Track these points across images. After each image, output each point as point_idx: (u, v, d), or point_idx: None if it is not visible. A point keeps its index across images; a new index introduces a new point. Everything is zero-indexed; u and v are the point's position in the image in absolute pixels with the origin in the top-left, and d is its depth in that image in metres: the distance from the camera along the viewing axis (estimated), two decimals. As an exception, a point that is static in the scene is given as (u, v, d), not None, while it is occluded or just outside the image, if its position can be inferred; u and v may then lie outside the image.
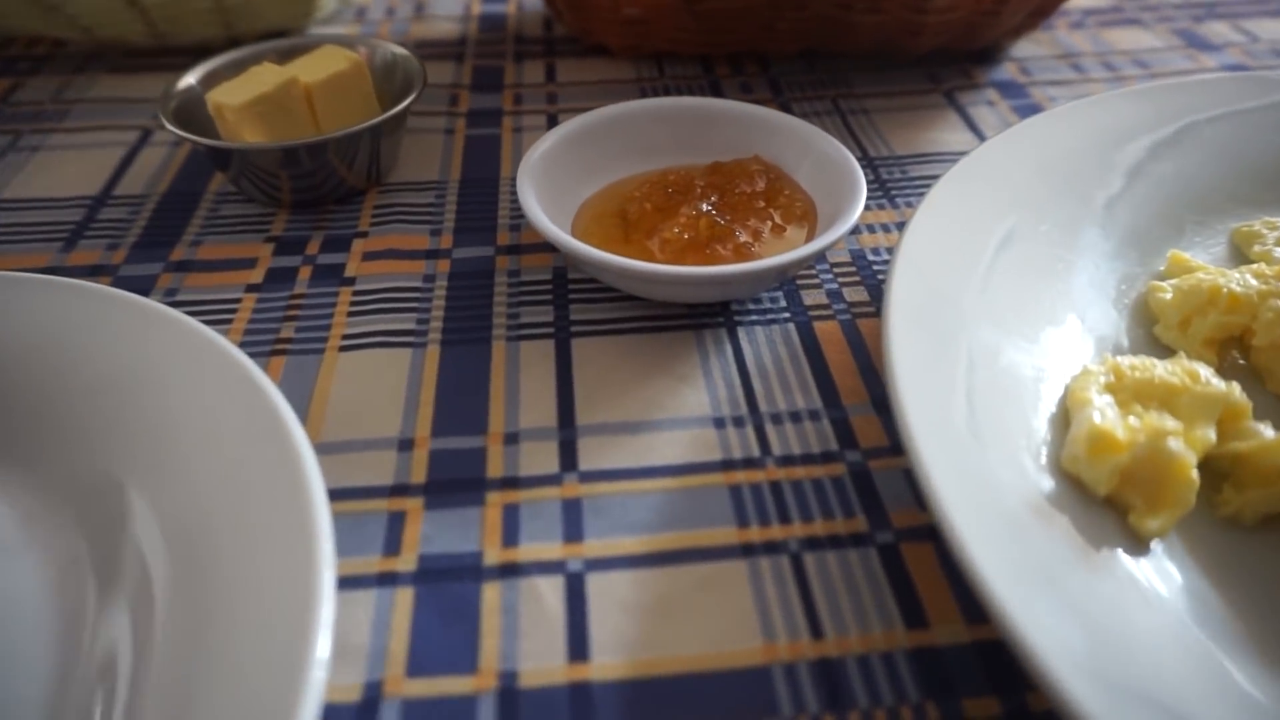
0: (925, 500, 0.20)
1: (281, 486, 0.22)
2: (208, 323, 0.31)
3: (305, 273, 0.34)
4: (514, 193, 0.38)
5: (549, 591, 0.23)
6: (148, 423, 0.25)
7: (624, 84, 0.47)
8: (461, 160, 0.40)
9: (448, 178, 0.39)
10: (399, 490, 0.26)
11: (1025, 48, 0.50)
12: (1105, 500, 0.22)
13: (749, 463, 0.26)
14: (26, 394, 0.26)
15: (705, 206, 0.32)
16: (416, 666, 0.21)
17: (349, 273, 0.34)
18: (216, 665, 0.19)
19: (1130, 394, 0.24)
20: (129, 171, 0.40)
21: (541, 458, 0.26)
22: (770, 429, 0.27)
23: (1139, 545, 0.21)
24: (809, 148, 0.35)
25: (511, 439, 0.27)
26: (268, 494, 0.22)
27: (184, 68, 0.41)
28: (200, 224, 0.36)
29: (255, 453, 0.23)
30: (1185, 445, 0.21)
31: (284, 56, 0.39)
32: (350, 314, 0.32)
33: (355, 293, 0.33)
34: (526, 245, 0.35)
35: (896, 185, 0.38)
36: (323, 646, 0.18)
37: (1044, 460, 0.23)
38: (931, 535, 0.24)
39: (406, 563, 0.24)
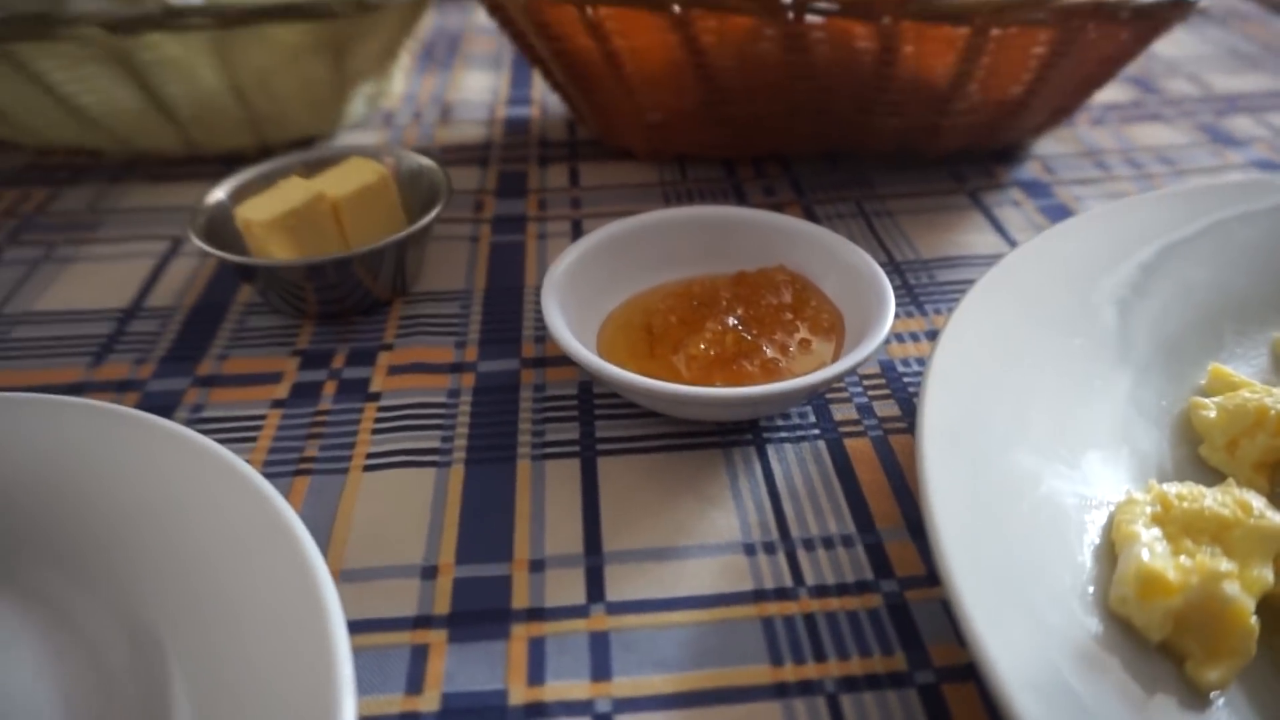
0: (967, 645, 0.20)
1: (303, 627, 0.21)
2: (232, 440, 0.31)
3: (330, 388, 0.33)
4: (538, 302, 0.38)
5: (575, 737, 0.22)
6: (169, 551, 0.25)
7: (647, 187, 0.47)
8: (486, 269, 0.40)
9: (472, 287, 0.39)
10: (422, 622, 0.25)
11: (1048, 145, 0.50)
12: (1160, 646, 0.21)
13: (781, 593, 0.25)
14: (46, 518, 0.26)
15: (732, 321, 0.32)
16: (438, 824, 0.20)
17: (374, 388, 0.33)
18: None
19: (1179, 527, 0.23)
20: (159, 283, 0.40)
21: (568, 587, 0.26)
22: (802, 555, 0.26)
23: (1198, 698, 0.20)
24: (834, 258, 0.35)
25: (537, 566, 0.26)
26: (287, 634, 0.21)
27: (217, 175, 0.42)
28: (227, 337, 0.36)
29: (276, 588, 0.22)
30: (1241, 589, 0.20)
31: (311, 169, 0.40)
32: (375, 431, 0.31)
33: (380, 409, 0.32)
34: (551, 358, 0.35)
35: (924, 291, 0.38)
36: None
37: (1091, 599, 0.22)
38: (974, 675, 0.23)
39: (429, 702, 0.23)
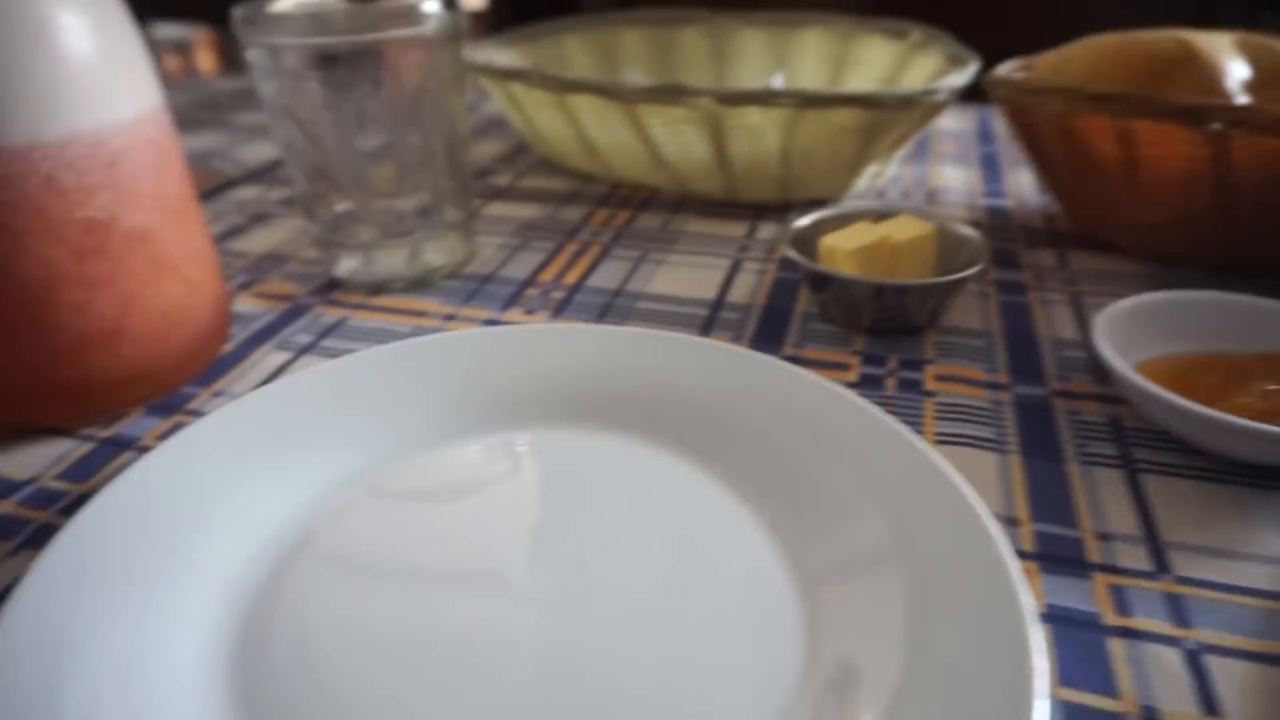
0: None
1: (979, 551, 0.27)
2: (823, 403, 0.40)
3: (891, 382, 0.42)
4: (1055, 351, 0.44)
5: (1169, 656, 0.28)
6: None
7: (1133, 278, 0.52)
8: (999, 318, 0.48)
9: (991, 329, 0.47)
10: (1016, 554, 0.32)
11: None
12: None
13: (1340, 605, 0.29)
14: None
15: (1271, 386, 0.37)
16: (1066, 680, 0.27)
17: (927, 387, 0.42)
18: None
19: None
20: (731, 287, 0.52)
21: (1135, 557, 0.32)
22: (1356, 583, 0.30)
23: None
24: (1374, 353, 0.38)
25: (1104, 537, 0.33)
26: (968, 556, 0.27)
27: (746, 218, 0.54)
28: (796, 333, 0.47)
29: (946, 522, 0.29)
30: None
31: (874, 219, 0.50)
32: (937, 417, 0.39)
33: (937, 404, 0.40)
34: (1077, 393, 0.41)
35: None
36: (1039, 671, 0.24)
37: None
38: None
39: (1037, 606, 0.30)
